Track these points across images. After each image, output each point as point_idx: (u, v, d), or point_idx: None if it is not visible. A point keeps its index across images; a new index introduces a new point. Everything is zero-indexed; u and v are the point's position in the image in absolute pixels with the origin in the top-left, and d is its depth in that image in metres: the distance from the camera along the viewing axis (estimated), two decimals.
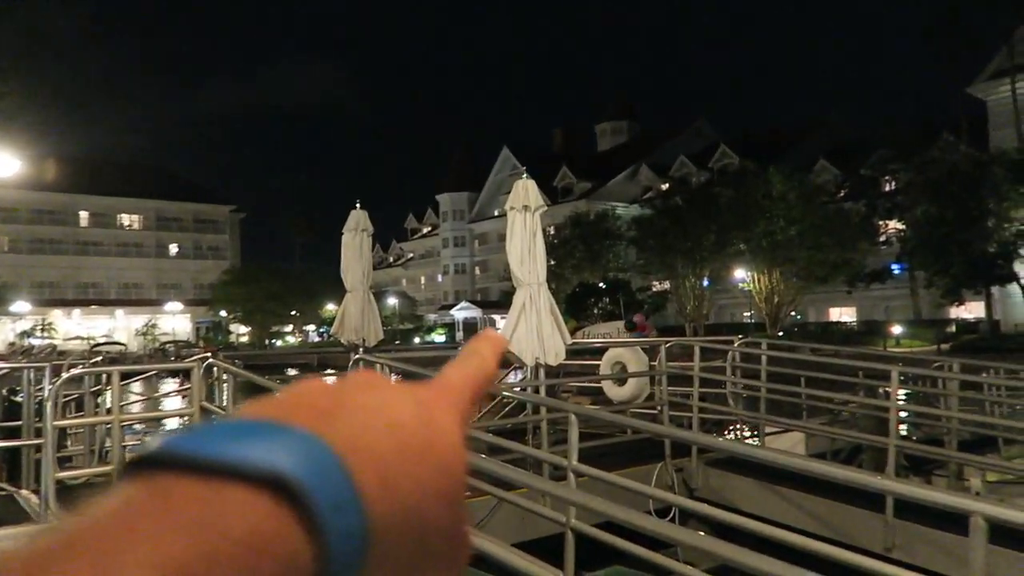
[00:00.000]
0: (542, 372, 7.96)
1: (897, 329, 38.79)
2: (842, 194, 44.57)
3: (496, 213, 66.30)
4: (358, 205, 10.90)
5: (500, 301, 53.14)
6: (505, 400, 8.31)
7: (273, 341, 60.05)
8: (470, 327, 60.14)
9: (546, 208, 8.40)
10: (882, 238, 41.10)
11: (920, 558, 5.10)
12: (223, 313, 61.01)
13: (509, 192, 8.55)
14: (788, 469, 5.39)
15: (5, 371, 8.58)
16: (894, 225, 40.64)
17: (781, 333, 37.67)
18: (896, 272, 42.12)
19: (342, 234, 10.90)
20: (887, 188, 42.04)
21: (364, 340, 10.59)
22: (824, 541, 3.61)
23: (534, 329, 7.73)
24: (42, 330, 56.31)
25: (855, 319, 48.21)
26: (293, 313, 59.90)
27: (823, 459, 7.83)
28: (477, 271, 75.64)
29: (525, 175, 8.39)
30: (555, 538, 4.54)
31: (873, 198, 41.25)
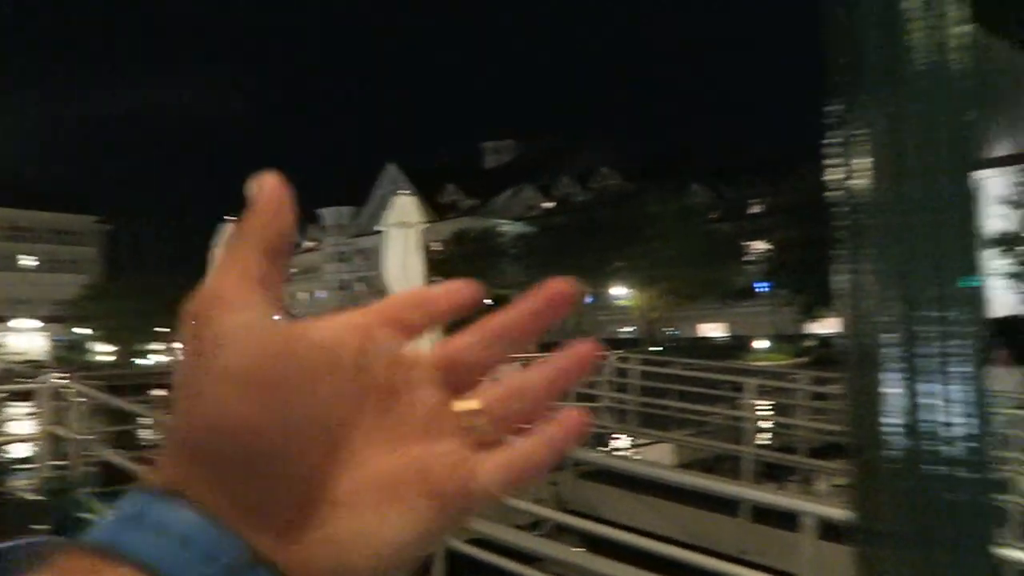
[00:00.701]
0: None
1: (762, 344, 41.16)
2: (715, 216, 47.05)
3: (380, 228, 65.51)
4: (230, 218, 10.52)
5: None
6: None
7: (139, 360, 56.65)
8: None
9: (426, 225, 8.41)
10: (750, 258, 43.68)
11: (771, 558, 5.43)
12: (85, 330, 57.03)
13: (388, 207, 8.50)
14: (653, 480, 5.64)
15: None
16: (760, 246, 43.27)
17: (660, 348, 39.18)
18: (762, 290, 44.82)
19: (213, 249, 10.48)
20: (754, 211, 44.75)
21: None
22: (688, 547, 3.80)
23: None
24: None
25: (726, 334, 50.82)
26: (163, 330, 56.75)
27: (690, 469, 8.21)
28: (360, 287, 74.44)
29: (405, 192, 8.38)
30: (426, 558, 4.54)
31: (741, 220, 43.80)
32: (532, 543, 3.62)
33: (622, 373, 8.96)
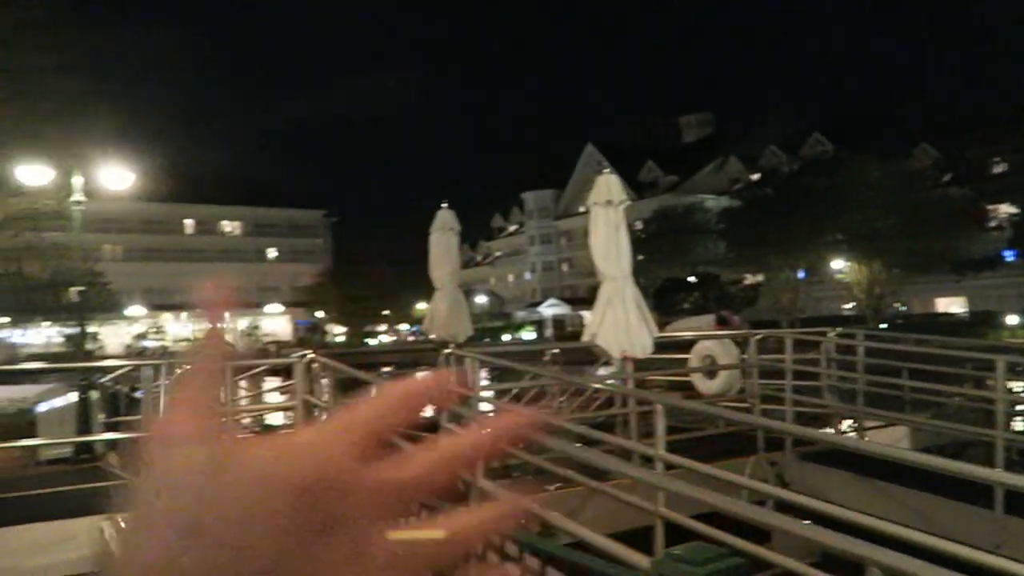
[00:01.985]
0: (629, 365, 7.96)
1: (1012, 319, 36.49)
2: (947, 178, 42.24)
3: (581, 209, 66.08)
4: (445, 205, 11.14)
5: (588, 297, 52.83)
6: (595, 395, 8.35)
7: (367, 340, 61.72)
8: (559, 324, 60.31)
9: (629, 202, 8.39)
10: (992, 223, 38.81)
11: None
12: (320, 314, 63.31)
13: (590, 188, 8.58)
14: (893, 462, 5.23)
15: (127, 369, 9.23)
16: (1005, 209, 38.27)
17: (885, 325, 35.97)
18: (1010, 259, 39.64)
19: (430, 234, 11.15)
20: (996, 170, 39.62)
21: (454, 337, 10.81)
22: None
23: (620, 323, 7.73)
24: (154, 333, 60.11)
25: (966, 309, 45.59)
26: (386, 312, 61.42)
27: (929, 454, 7.49)
28: (564, 268, 75.61)
29: (607, 170, 8.41)
30: (645, 530, 4.56)
31: (980, 182, 38.96)
32: (755, 513, 3.51)
33: (846, 351, 8.37)
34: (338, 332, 64.31)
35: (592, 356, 9.90)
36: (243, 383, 10.52)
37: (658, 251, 47.43)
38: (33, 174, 12.89)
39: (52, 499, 6.14)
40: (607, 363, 9.24)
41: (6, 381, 13.63)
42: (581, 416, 7.60)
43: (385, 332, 64.51)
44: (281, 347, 48.23)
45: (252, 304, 70.44)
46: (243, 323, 67.04)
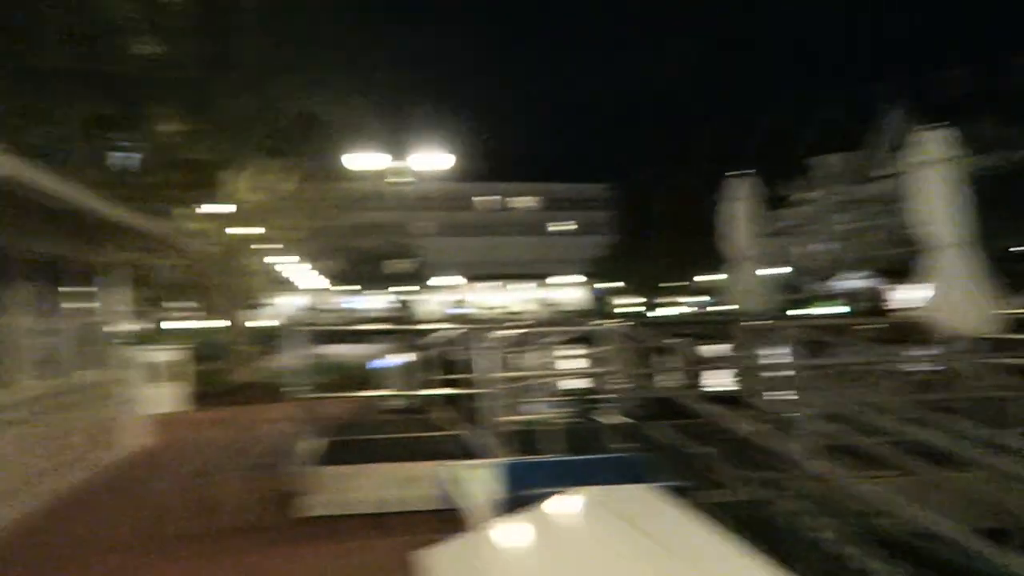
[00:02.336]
0: (964, 345, 7.05)
1: None
2: None
3: (885, 172, 59.45)
4: (740, 173, 10.72)
5: (895, 269, 47.55)
6: (923, 377, 7.57)
7: (656, 311, 61.77)
8: (861, 297, 55.15)
9: (961, 160, 7.37)
10: None
11: None
12: (610, 284, 65.10)
13: (903, 147, 7.67)
14: None
15: (446, 333, 10.28)
16: None
17: None
18: None
19: (723, 202, 10.84)
20: None
21: (755, 309, 10.47)
22: None
23: (953, 296, 6.86)
24: (460, 302, 67.06)
25: None
26: (681, 283, 60.97)
27: None
28: (865, 236, 68.96)
29: (932, 126, 7.47)
30: (990, 532, 4.04)
31: None
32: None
33: None
34: (625, 303, 65.34)
35: (903, 334, 9.00)
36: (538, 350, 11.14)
37: (994, 217, 40.94)
38: (368, 161, 14.92)
39: (395, 444, 7.10)
40: (925, 342, 8.29)
41: (348, 341, 15.98)
42: (910, 398, 6.92)
43: (672, 304, 64.04)
44: (578, 315, 50.43)
45: (545, 275, 74.94)
46: (538, 294, 71.48)
